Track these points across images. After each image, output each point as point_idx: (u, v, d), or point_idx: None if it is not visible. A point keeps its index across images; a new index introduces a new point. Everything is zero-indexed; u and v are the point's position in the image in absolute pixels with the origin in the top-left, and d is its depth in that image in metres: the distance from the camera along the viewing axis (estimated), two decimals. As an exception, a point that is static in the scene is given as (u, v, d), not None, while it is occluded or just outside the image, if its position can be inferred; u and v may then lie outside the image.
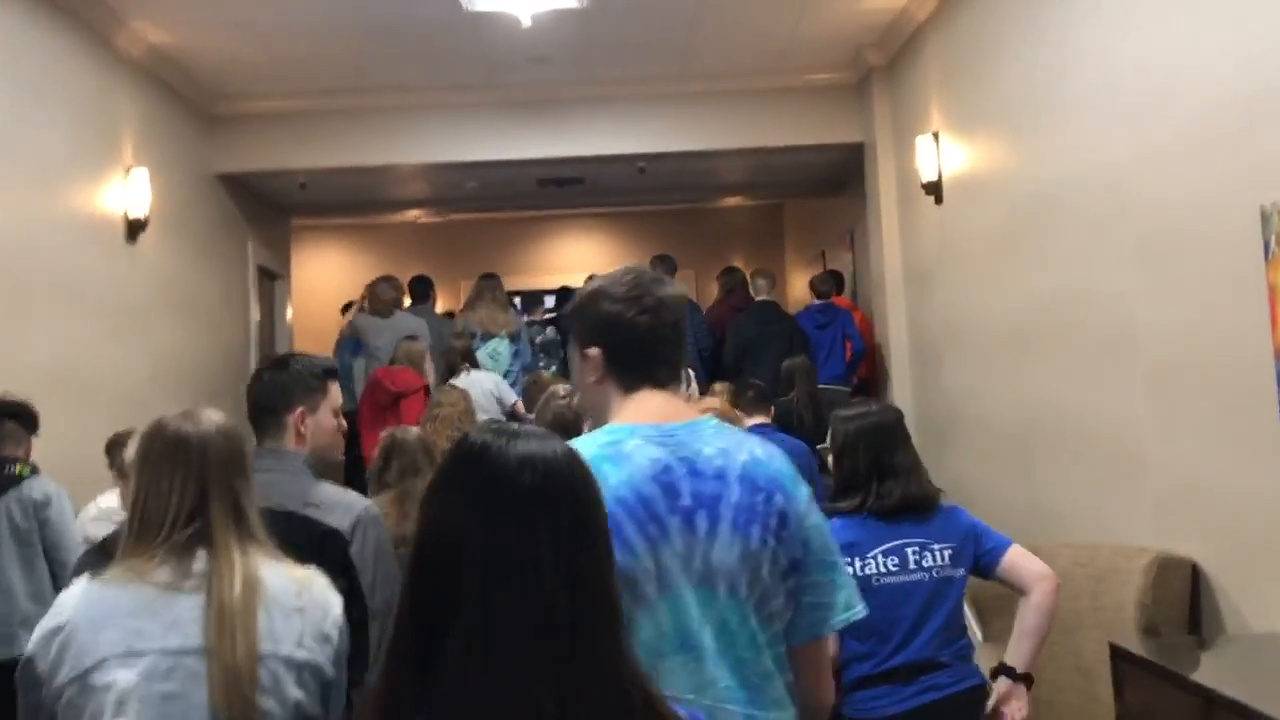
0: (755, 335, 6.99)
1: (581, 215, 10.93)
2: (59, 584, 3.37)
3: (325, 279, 10.35)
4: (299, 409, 2.43)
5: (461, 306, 8.23)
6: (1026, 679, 2.81)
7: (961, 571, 2.87)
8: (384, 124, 7.14)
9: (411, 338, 6.88)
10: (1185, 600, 3.43)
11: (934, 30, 5.89)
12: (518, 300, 9.52)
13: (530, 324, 8.08)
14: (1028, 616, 2.82)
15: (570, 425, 3.13)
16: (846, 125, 7.11)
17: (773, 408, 5.28)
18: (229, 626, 1.64)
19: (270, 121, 7.16)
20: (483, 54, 6.51)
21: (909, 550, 2.83)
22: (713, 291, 8.79)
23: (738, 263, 9.23)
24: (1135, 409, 3.79)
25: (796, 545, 1.68)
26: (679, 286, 1.83)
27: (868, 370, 7.11)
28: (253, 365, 7.53)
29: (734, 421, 4.42)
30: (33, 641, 1.71)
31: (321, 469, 2.53)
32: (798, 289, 10.13)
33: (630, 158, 7.45)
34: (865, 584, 2.78)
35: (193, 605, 1.68)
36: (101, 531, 3.30)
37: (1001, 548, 2.88)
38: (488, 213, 10.35)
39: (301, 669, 1.69)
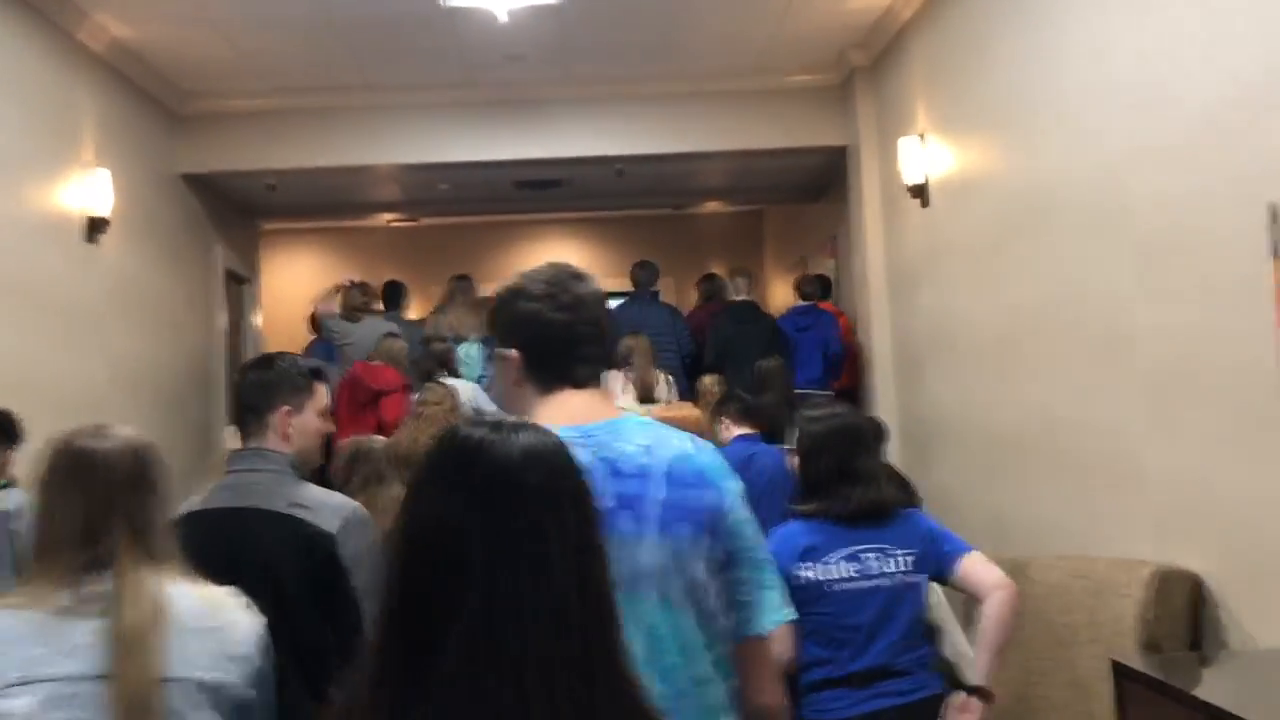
0: (734, 334, 6.91)
1: (559, 220, 10.79)
2: None
3: (295, 284, 10.12)
4: (284, 408, 2.39)
5: (433, 309, 8.07)
6: (982, 692, 2.75)
7: (924, 577, 2.83)
8: (355, 123, 6.96)
9: (393, 335, 6.78)
10: (1187, 615, 3.30)
11: (920, 28, 5.77)
12: (493, 305, 9.33)
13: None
14: (983, 627, 2.78)
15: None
16: (829, 128, 6.98)
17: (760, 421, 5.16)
18: (130, 651, 1.58)
19: (238, 120, 6.97)
20: (458, 51, 6.35)
21: (869, 556, 2.80)
22: (693, 298, 8.67)
23: (718, 269, 9.11)
24: (1134, 415, 3.65)
25: (730, 539, 1.66)
26: (598, 283, 1.80)
27: (850, 379, 6.99)
28: (219, 372, 7.35)
29: (706, 431, 4.29)
30: None
31: (300, 472, 2.46)
32: (778, 296, 10.02)
33: (609, 160, 7.28)
34: (823, 589, 2.78)
35: (92, 630, 1.60)
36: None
37: (959, 552, 2.84)
38: (463, 216, 10.18)
39: (214, 691, 1.64)
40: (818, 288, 7.43)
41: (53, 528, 1.68)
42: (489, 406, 6.27)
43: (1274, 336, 2.89)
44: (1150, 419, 3.56)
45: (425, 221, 10.45)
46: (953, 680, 2.88)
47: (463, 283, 7.39)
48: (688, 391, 6.56)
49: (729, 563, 1.66)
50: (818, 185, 8.21)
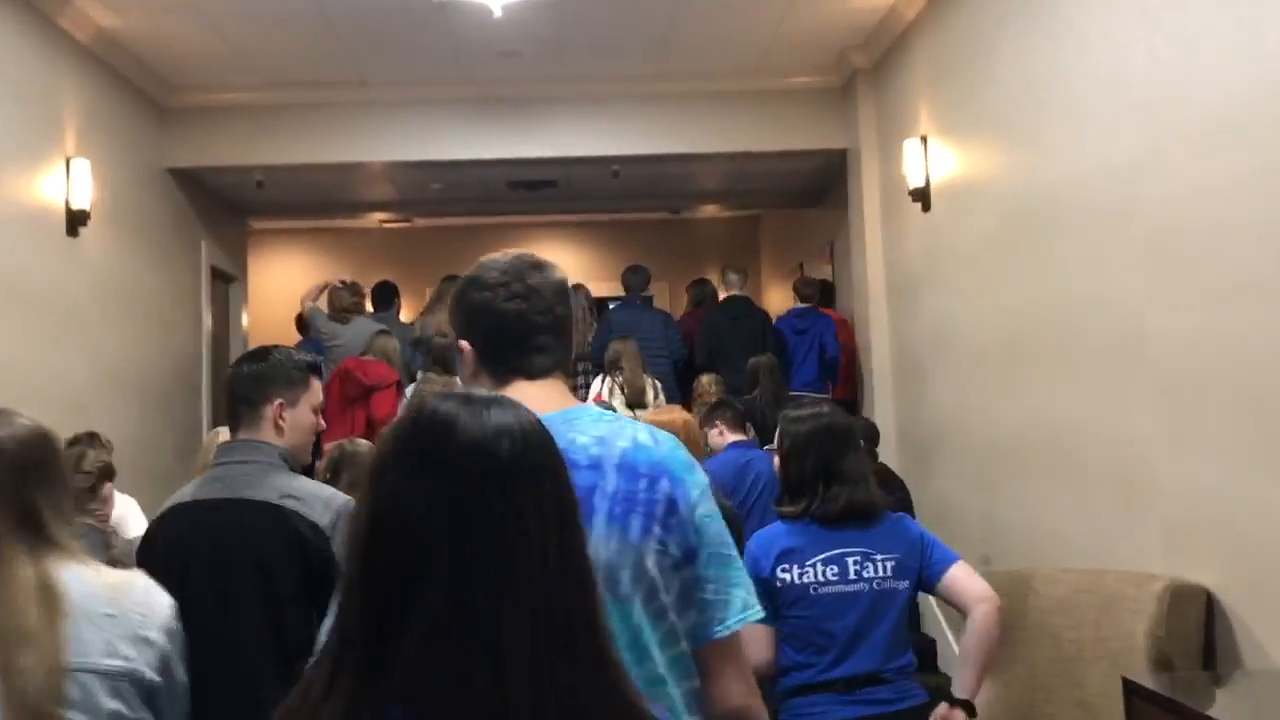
0: (727, 331, 6.83)
1: (553, 223, 10.69)
2: None
3: (285, 284, 9.97)
4: (277, 401, 2.38)
5: (422, 310, 7.95)
6: (965, 705, 2.70)
7: (905, 584, 2.77)
8: (346, 119, 6.83)
9: (385, 332, 6.71)
10: (1200, 631, 3.17)
11: (924, 29, 5.66)
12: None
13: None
14: (967, 641, 2.72)
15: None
16: (829, 130, 6.87)
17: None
18: (20, 642, 1.51)
19: (226, 114, 6.83)
20: (451, 46, 6.23)
21: (850, 559, 2.74)
22: (685, 303, 8.57)
23: (713, 275, 9.00)
24: (1144, 423, 3.53)
25: (689, 534, 1.58)
26: (559, 273, 1.75)
27: (847, 389, 6.87)
28: (204, 370, 7.21)
29: (696, 433, 4.16)
30: None
31: (293, 464, 2.43)
32: (774, 302, 9.92)
33: (604, 160, 7.15)
34: (804, 592, 2.73)
35: None
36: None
37: (946, 563, 2.78)
38: (456, 217, 10.05)
39: (116, 678, 1.58)
40: (816, 289, 7.34)
41: None
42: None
43: (1294, 342, 2.78)
44: (1161, 427, 3.44)
45: (418, 223, 10.34)
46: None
47: (452, 283, 7.25)
48: (678, 396, 6.47)
49: (690, 559, 1.58)
50: (815, 190, 8.11)
